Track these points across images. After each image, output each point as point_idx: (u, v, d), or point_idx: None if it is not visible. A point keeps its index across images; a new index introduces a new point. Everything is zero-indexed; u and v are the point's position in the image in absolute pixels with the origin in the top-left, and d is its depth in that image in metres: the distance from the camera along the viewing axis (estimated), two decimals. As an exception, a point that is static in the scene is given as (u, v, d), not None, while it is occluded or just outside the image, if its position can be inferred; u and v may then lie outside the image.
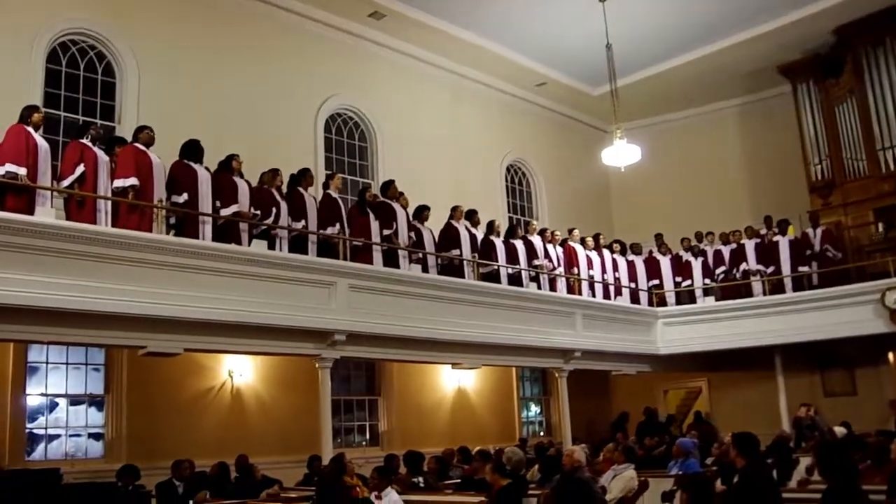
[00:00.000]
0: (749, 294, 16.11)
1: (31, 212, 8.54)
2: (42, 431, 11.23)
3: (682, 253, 17.02)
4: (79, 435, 11.48)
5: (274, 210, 10.92)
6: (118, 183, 9.46)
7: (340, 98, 15.49)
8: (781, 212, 16.89)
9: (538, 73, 18.42)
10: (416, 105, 16.79)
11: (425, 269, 12.60)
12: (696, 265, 16.68)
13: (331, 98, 15.27)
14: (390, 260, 12.13)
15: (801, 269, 15.73)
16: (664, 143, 19.74)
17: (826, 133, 17.30)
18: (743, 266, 16.29)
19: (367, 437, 14.80)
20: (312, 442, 11.03)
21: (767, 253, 16.09)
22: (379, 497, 7.77)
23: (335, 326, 10.66)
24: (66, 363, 11.48)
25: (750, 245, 16.38)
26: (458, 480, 10.93)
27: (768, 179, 18.87)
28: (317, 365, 10.89)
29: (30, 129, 8.95)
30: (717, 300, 16.30)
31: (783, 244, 15.97)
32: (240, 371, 12.69)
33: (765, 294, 15.83)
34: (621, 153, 15.89)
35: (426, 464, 10.77)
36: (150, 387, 11.62)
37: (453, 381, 15.77)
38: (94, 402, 11.67)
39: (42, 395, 11.27)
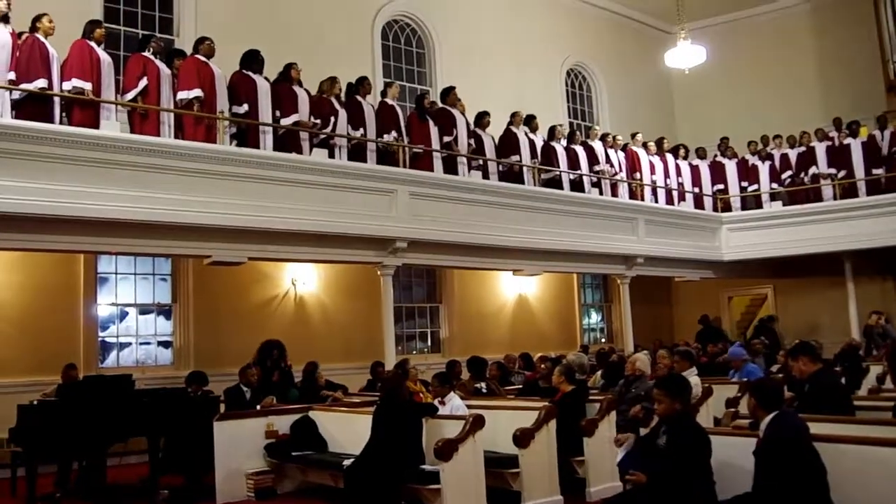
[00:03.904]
0: (818, 199, 15.61)
1: (96, 126, 8.66)
2: (114, 340, 11.61)
3: (748, 157, 16.55)
4: (148, 343, 11.85)
5: (332, 119, 10.85)
6: (182, 95, 9.48)
7: (397, 4, 15.17)
8: (855, 113, 16.17)
9: (600, -29, 17.80)
10: (473, 9, 16.35)
11: (486, 176, 12.49)
12: (763, 169, 16.22)
13: (387, 4, 14.98)
14: (450, 167, 12.03)
15: (875, 171, 15.15)
16: (730, 44, 18.99)
17: (906, 27, 16.32)
18: (812, 170, 15.76)
19: (429, 343, 14.99)
20: (375, 348, 11.23)
21: (839, 156, 15.51)
22: (442, 402, 7.86)
23: (396, 234, 10.69)
24: (135, 273, 11.78)
25: (820, 148, 15.80)
26: (521, 386, 11.03)
27: (841, 80, 18.05)
28: (378, 272, 10.98)
29: (93, 44, 9.01)
30: (784, 205, 15.85)
31: (855, 146, 15.37)
32: (303, 279, 12.87)
33: (835, 198, 15.30)
34: (685, 55, 15.48)
35: (488, 369, 10.86)
36: (215, 296, 11.89)
37: (514, 287, 15.79)
38: (163, 311, 11.99)
39: (112, 304, 11.61)
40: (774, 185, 16.06)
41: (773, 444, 4.61)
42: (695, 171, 16.47)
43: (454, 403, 7.90)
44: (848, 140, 15.51)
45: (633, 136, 15.74)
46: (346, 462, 7.32)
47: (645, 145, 15.62)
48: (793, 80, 18.75)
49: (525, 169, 13.11)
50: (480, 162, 12.55)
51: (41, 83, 8.42)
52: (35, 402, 8.54)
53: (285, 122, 10.29)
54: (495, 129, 13.31)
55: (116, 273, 11.63)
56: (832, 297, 16.03)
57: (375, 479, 6.68)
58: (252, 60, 10.31)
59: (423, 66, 15.63)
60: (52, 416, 7.93)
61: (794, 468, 4.46)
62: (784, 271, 17.06)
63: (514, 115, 13.58)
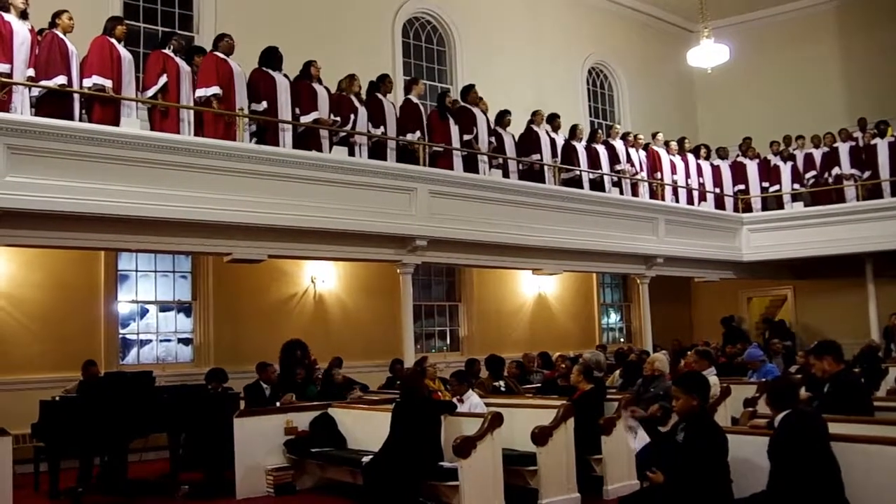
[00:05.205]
0: (841, 199, 15.45)
1: (116, 123, 8.71)
2: (134, 337, 11.69)
3: (770, 157, 16.41)
4: (169, 340, 11.93)
5: (352, 116, 10.86)
6: (200, 92, 9.52)
7: (418, 1, 15.18)
8: (881, 114, 15.95)
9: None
10: (494, 6, 16.34)
11: (506, 175, 12.47)
12: (785, 170, 16.08)
13: (408, 2, 14.99)
14: (471, 165, 12.03)
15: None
16: (754, 43, 18.84)
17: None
18: (835, 170, 15.59)
19: (448, 342, 15.00)
20: (394, 346, 11.25)
21: (863, 156, 15.35)
22: (461, 400, 7.87)
23: (416, 232, 10.70)
24: (155, 271, 11.86)
25: (844, 148, 15.61)
26: (539, 384, 11.02)
27: (867, 80, 17.85)
28: (398, 271, 11.00)
29: (113, 41, 9.03)
30: (806, 206, 15.72)
31: (881, 147, 15.16)
32: (322, 277, 12.91)
33: (858, 199, 15.13)
34: (708, 53, 15.36)
35: (507, 368, 10.86)
36: (235, 293, 11.96)
37: (533, 286, 15.77)
38: (183, 308, 12.06)
39: (133, 301, 11.69)
40: (796, 186, 15.93)
41: (783, 442, 4.61)
42: (716, 171, 16.36)
43: (473, 401, 7.91)
44: (875, 140, 15.31)
45: (655, 135, 15.66)
46: (365, 459, 7.34)
47: (666, 145, 15.55)
48: (817, 80, 18.57)
49: (546, 168, 13.09)
50: (501, 160, 12.53)
51: (61, 80, 8.45)
52: (57, 399, 8.64)
53: (305, 119, 10.31)
54: (516, 128, 13.30)
55: (137, 270, 11.71)
56: (852, 299, 15.86)
57: (394, 476, 6.69)
58: (271, 58, 10.31)
59: (444, 64, 15.64)
60: (73, 412, 8.02)
61: (805, 465, 4.45)
62: (804, 272, 16.94)
63: (535, 113, 13.56)
